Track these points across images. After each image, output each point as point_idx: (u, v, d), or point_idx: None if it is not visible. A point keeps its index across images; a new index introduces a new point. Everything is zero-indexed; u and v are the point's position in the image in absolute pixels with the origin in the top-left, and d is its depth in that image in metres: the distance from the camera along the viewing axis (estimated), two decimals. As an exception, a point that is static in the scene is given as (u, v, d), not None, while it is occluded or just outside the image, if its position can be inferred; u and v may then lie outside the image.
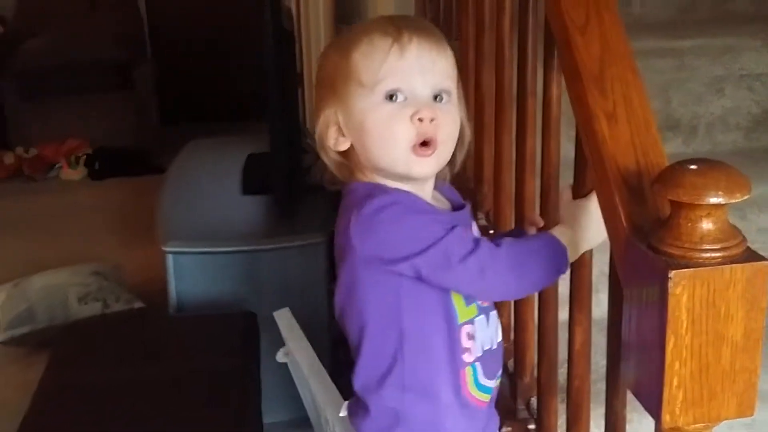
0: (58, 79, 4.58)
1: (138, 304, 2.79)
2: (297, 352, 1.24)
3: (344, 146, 0.97)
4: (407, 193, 0.95)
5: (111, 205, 4.00)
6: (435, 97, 0.95)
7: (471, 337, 0.99)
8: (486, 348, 1.01)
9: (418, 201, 0.95)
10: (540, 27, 1.12)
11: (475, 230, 1.03)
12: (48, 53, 4.61)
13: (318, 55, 2.92)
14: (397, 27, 0.94)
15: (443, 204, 1.03)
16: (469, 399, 1.00)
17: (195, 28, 5.16)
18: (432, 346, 0.97)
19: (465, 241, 0.92)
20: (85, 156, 4.46)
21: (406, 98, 0.93)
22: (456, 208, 1.03)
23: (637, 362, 0.81)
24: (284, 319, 1.32)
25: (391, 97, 0.93)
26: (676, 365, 0.75)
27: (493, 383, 1.03)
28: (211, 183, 2.54)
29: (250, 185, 2.45)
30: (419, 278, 0.92)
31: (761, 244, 1.43)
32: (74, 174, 4.43)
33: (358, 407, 1.02)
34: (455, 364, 0.98)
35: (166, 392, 1.78)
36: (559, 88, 1.09)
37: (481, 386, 1.01)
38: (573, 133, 0.99)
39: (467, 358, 0.99)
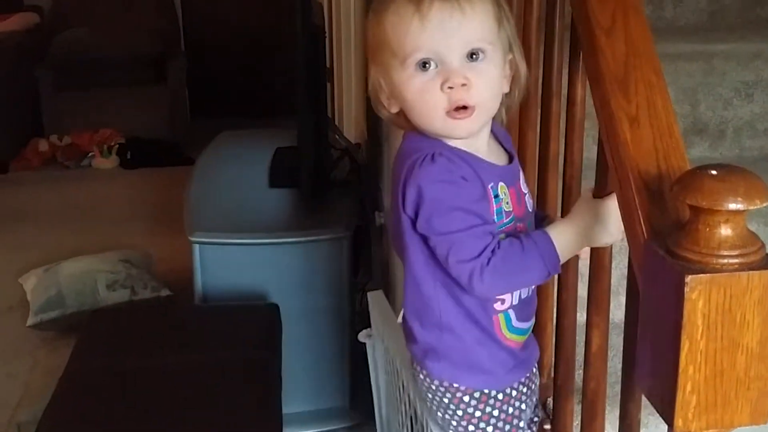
0: (93, 71, 4.65)
1: (165, 293, 2.83)
2: (385, 336, 1.25)
3: (395, 109, 1.01)
4: (453, 156, 0.96)
5: (141, 195, 4.05)
6: (470, 56, 0.95)
7: None
8: (523, 297, 1.04)
9: (459, 181, 0.95)
10: (567, 28, 1.12)
11: (523, 185, 1.06)
12: (84, 45, 4.68)
13: (348, 53, 2.94)
14: None
15: (498, 153, 1.04)
16: (503, 341, 1.04)
17: (227, 24, 5.21)
18: (463, 296, 1.00)
19: (473, 243, 0.94)
20: (117, 145, 4.52)
21: (437, 65, 0.95)
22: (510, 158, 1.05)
23: (652, 365, 0.81)
24: (377, 301, 1.33)
25: (423, 65, 0.95)
26: (690, 370, 0.75)
27: (528, 324, 1.08)
28: (238, 175, 2.57)
29: (277, 178, 2.48)
30: None
31: (785, 251, 1.44)
32: (107, 163, 4.49)
33: (407, 331, 1.08)
34: (487, 312, 1.02)
35: (188, 380, 1.81)
36: (584, 90, 1.09)
37: (515, 329, 1.05)
38: (595, 134, 0.99)
39: (499, 306, 1.03)
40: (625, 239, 0.89)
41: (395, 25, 0.95)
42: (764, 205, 0.75)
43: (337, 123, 3.26)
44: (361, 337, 1.36)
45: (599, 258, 1.08)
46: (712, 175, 0.75)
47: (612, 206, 0.96)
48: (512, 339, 1.05)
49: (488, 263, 0.93)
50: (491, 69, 0.97)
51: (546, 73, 1.21)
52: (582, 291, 1.16)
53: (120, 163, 4.49)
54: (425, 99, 0.95)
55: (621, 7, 0.97)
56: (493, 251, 0.94)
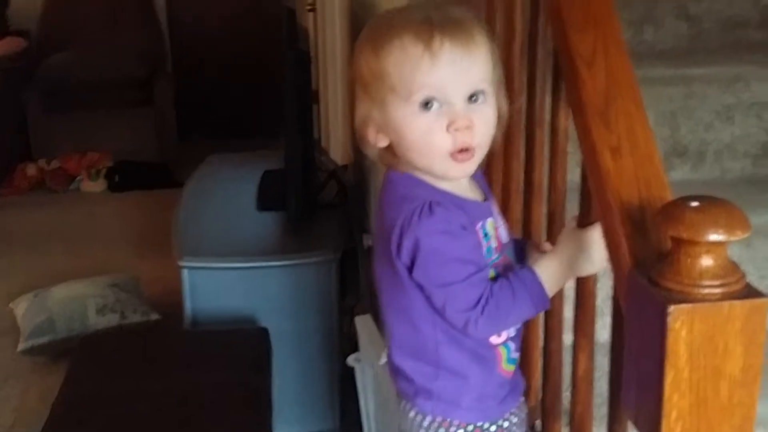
0: (81, 94, 4.65)
1: (154, 317, 2.82)
2: (375, 360, 1.25)
3: (384, 143, 0.99)
4: (446, 203, 0.97)
5: (130, 218, 4.05)
6: (470, 97, 0.95)
7: None
8: (519, 326, 1.06)
9: (456, 230, 0.96)
10: (549, 54, 1.14)
11: (499, 222, 1.06)
12: (71, 68, 4.68)
13: (334, 75, 2.96)
14: (429, 28, 0.92)
15: (475, 192, 1.05)
16: (501, 374, 1.06)
17: (214, 45, 5.22)
18: (465, 338, 1.01)
19: (469, 294, 0.95)
20: (105, 169, 4.51)
21: (441, 105, 0.94)
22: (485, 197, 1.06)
23: (637, 393, 0.82)
24: (365, 326, 1.33)
25: (426, 104, 0.94)
26: (675, 398, 0.76)
27: (519, 354, 1.09)
28: (227, 198, 2.58)
29: (264, 201, 2.48)
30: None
31: (767, 272, 1.46)
32: (95, 186, 4.48)
33: (394, 368, 1.07)
34: (489, 348, 1.03)
35: (179, 405, 1.82)
36: (567, 119, 1.11)
37: (512, 359, 1.07)
38: (581, 160, 1.01)
39: (496, 340, 1.04)
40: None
41: (401, 61, 0.93)
42: (745, 236, 0.76)
43: (323, 145, 3.28)
44: (350, 361, 1.37)
45: (584, 283, 1.09)
46: (693, 206, 0.77)
47: (595, 236, 0.97)
48: (508, 370, 1.07)
49: (483, 312, 0.95)
50: (489, 110, 0.97)
51: (529, 101, 1.23)
52: (567, 312, 1.18)
53: (108, 187, 4.48)
54: (429, 140, 0.95)
55: (601, 39, 0.99)
56: (487, 299, 0.95)
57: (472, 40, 0.94)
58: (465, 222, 0.97)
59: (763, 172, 1.64)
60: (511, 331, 1.05)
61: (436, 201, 0.95)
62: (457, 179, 0.99)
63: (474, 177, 1.05)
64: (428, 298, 0.98)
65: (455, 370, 1.02)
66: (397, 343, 1.04)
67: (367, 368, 1.32)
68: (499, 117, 1.00)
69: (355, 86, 1.00)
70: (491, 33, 1.01)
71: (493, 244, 1.02)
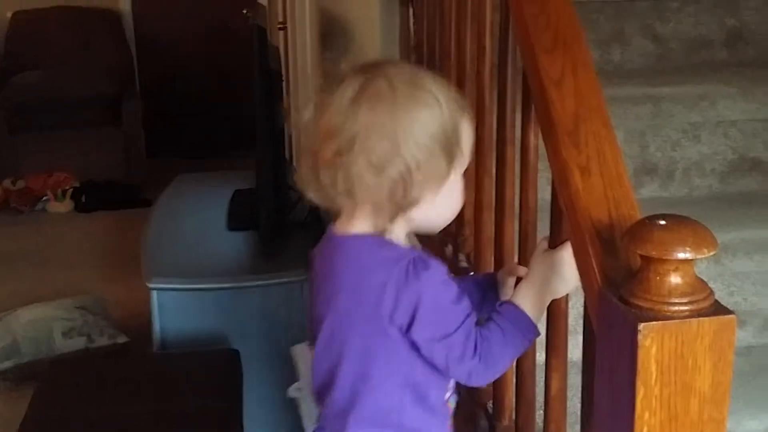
0: (48, 113, 4.61)
1: (122, 339, 2.79)
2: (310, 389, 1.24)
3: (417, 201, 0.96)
4: (428, 256, 0.99)
5: (97, 239, 4.00)
6: None
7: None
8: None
9: (448, 280, 0.98)
10: (519, 73, 1.15)
11: None
12: (38, 87, 4.64)
13: (305, 93, 2.96)
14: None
15: (413, 240, 1.06)
16: (449, 429, 1.07)
17: (183, 65, 5.22)
18: (429, 395, 1.02)
19: (468, 340, 0.96)
20: (72, 189, 4.46)
21: None
22: None
23: (610, 411, 0.83)
24: (301, 355, 1.31)
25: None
26: (646, 415, 0.77)
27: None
28: (196, 218, 2.56)
29: (235, 221, 2.47)
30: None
31: (736, 288, 1.48)
32: (61, 207, 4.43)
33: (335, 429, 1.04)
34: (443, 403, 1.05)
35: (148, 429, 1.79)
36: (537, 138, 1.12)
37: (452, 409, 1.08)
38: (551, 177, 1.02)
39: (447, 395, 1.06)
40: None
41: (468, 132, 0.99)
42: (711, 254, 0.78)
43: (294, 164, 3.27)
44: (291, 392, 1.34)
45: (555, 302, 1.09)
46: (661, 225, 0.78)
47: (566, 256, 0.98)
48: (450, 424, 1.08)
49: (480, 359, 0.96)
50: None
51: (500, 119, 1.24)
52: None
53: (75, 207, 4.43)
54: (460, 201, 1.02)
55: (570, 60, 1.00)
56: (482, 345, 0.96)
57: None
58: (454, 287, 0.99)
59: (730, 190, 1.67)
60: (452, 385, 1.06)
61: (418, 255, 0.96)
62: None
63: None
64: (404, 359, 0.97)
65: (414, 428, 1.02)
66: (360, 416, 1.01)
67: (309, 398, 1.29)
68: None
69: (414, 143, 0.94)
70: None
71: None
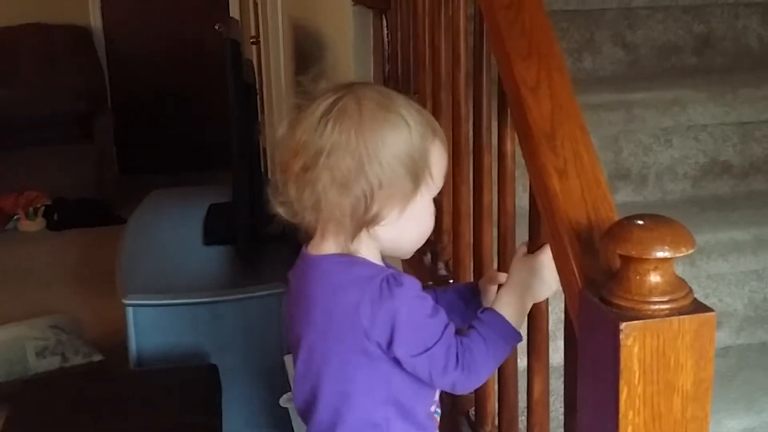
0: (18, 131, 4.56)
1: (97, 357, 2.75)
2: None
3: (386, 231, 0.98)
4: (402, 273, 0.99)
5: (70, 257, 3.96)
6: None
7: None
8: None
9: (422, 295, 0.98)
10: (494, 83, 1.16)
11: None
12: (7, 105, 4.59)
13: (279, 106, 2.97)
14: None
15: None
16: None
17: (155, 80, 5.19)
18: (413, 410, 1.02)
19: (449, 351, 0.96)
20: (43, 207, 4.41)
21: None
22: None
23: (593, 412, 0.83)
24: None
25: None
26: (630, 414, 0.77)
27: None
28: (172, 234, 2.54)
29: (211, 236, 2.46)
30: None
31: (711, 290, 1.50)
32: (32, 225, 4.38)
33: None
34: (430, 416, 1.05)
35: (126, 448, 1.76)
36: (513, 144, 1.13)
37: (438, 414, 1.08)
38: (528, 184, 1.03)
39: (434, 408, 1.05)
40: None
41: (440, 155, 0.99)
42: (690, 252, 0.78)
43: (270, 178, 3.26)
44: (283, 402, 1.34)
45: (536, 306, 1.10)
46: (640, 225, 0.78)
47: (545, 260, 0.99)
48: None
49: (463, 368, 0.96)
50: None
51: (476, 127, 1.25)
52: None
53: (47, 225, 4.39)
54: (431, 224, 1.01)
55: (545, 66, 1.01)
56: (463, 354, 0.97)
57: None
58: (430, 300, 0.99)
59: (702, 194, 1.69)
60: (436, 397, 1.06)
61: (390, 273, 0.96)
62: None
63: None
64: (388, 376, 0.98)
65: None
66: (338, 427, 1.01)
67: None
68: None
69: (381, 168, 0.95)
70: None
71: None
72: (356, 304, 0.94)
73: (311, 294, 0.99)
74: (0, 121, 4.54)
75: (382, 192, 0.94)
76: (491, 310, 1.01)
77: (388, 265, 1.04)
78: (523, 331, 1.12)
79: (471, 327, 1.00)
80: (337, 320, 0.97)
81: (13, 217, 4.41)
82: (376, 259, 1.00)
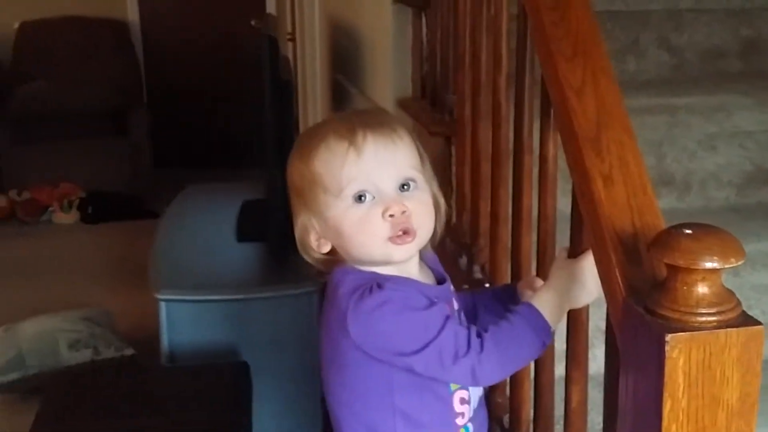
0: (54, 124, 4.61)
1: (129, 351, 2.77)
2: None
3: (326, 248, 1.00)
4: (395, 280, 0.97)
5: (103, 250, 3.99)
6: (402, 187, 0.97)
7: (465, 401, 1.01)
8: (475, 407, 1.03)
9: (409, 292, 0.96)
10: (537, 84, 1.14)
11: (456, 305, 1.05)
12: (44, 98, 4.64)
13: (314, 104, 2.96)
14: (351, 127, 0.96)
15: (428, 276, 1.04)
16: None
17: (190, 75, 5.23)
18: (424, 421, 0.99)
19: (457, 338, 0.94)
20: (78, 200, 4.46)
21: (374, 197, 0.96)
22: (439, 281, 1.04)
23: (634, 424, 0.81)
24: None
25: (359, 198, 0.96)
26: (673, 428, 0.75)
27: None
28: (205, 230, 2.55)
29: (244, 232, 2.45)
30: (411, 372, 0.95)
31: (755, 301, 1.47)
32: (67, 218, 4.43)
33: None
34: (451, 429, 1.01)
35: (156, 443, 1.77)
36: (556, 147, 1.11)
37: None
38: (569, 187, 1.01)
39: (460, 421, 1.02)
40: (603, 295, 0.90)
41: (328, 161, 0.96)
42: (739, 263, 0.76)
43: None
44: None
45: (576, 313, 1.08)
46: (688, 234, 0.76)
47: (587, 265, 0.97)
48: None
49: (481, 352, 0.93)
50: (424, 195, 0.99)
51: (517, 129, 1.23)
52: (559, 345, 1.16)
53: (81, 218, 4.43)
54: (366, 228, 0.96)
55: (590, 68, 1.00)
56: (479, 335, 0.94)
57: (394, 132, 0.97)
58: (423, 296, 0.97)
59: (747, 201, 1.66)
60: (470, 411, 1.03)
61: (379, 282, 0.95)
62: (402, 261, 0.99)
63: (426, 261, 1.05)
64: (390, 385, 0.96)
65: None
66: None
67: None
68: (437, 211, 1.01)
69: (291, 199, 1.02)
70: (413, 131, 1.04)
71: None
72: (345, 313, 0.94)
73: (324, 304, 1.01)
74: (36, 114, 4.59)
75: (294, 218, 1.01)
76: (527, 303, 0.99)
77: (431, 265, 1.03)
78: (561, 339, 1.10)
79: (502, 317, 0.97)
80: (333, 329, 0.97)
81: (48, 209, 4.46)
82: (385, 269, 0.98)
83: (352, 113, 1.07)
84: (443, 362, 0.93)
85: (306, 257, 1.02)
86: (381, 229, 0.95)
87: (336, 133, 0.96)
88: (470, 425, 1.03)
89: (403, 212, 0.95)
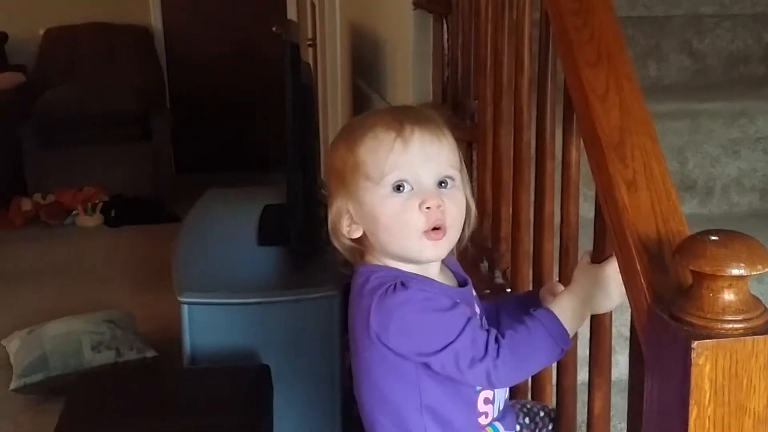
0: (77, 129, 4.66)
1: (151, 354, 2.78)
2: None
3: (357, 234, 1.02)
4: (418, 280, 0.98)
5: (126, 253, 4.02)
6: (440, 184, 0.99)
7: (489, 401, 1.02)
8: (501, 407, 1.04)
9: (432, 293, 0.97)
10: (559, 90, 1.14)
11: (477, 308, 1.05)
12: (67, 103, 4.69)
13: (334, 109, 2.97)
14: (400, 120, 0.98)
15: (449, 278, 1.05)
16: None
17: (213, 80, 5.26)
18: (451, 418, 1.00)
19: (475, 343, 0.95)
20: (101, 203, 4.50)
21: (412, 188, 0.98)
22: (460, 283, 1.06)
23: (659, 431, 0.81)
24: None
25: (398, 188, 0.97)
26: (699, 436, 0.75)
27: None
28: (227, 233, 2.55)
29: (266, 236, 2.46)
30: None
31: (779, 308, 1.45)
32: (90, 221, 4.47)
33: None
34: (475, 428, 1.02)
35: (178, 446, 1.78)
36: (578, 152, 1.11)
37: None
38: (591, 193, 1.01)
39: (483, 420, 1.03)
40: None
41: (374, 148, 0.98)
42: (766, 270, 0.76)
43: (324, 180, 3.27)
44: None
45: (600, 319, 1.08)
46: (714, 240, 0.76)
47: (611, 271, 0.97)
48: None
49: (497, 357, 0.94)
50: (459, 195, 1.01)
51: (539, 134, 1.23)
52: (581, 350, 1.16)
53: (104, 222, 4.47)
54: (403, 219, 0.97)
55: (614, 74, 1.00)
56: (496, 340, 0.95)
57: (439, 130, 1.00)
58: (446, 297, 0.98)
59: (770, 207, 1.65)
60: (495, 411, 1.04)
61: (409, 278, 0.97)
62: (430, 261, 1.01)
63: (447, 264, 1.06)
64: (415, 383, 0.97)
65: None
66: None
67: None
68: (468, 212, 1.03)
69: (328, 183, 1.04)
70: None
71: None
72: (368, 310, 0.96)
73: (351, 300, 1.02)
74: (61, 119, 4.64)
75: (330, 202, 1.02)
76: (546, 308, 0.99)
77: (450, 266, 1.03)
78: (584, 345, 1.10)
79: (521, 322, 0.98)
80: (359, 328, 0.99)
81: (71, 212, 4.51)
82: (408, 267, 1.00)
83: (401, 108, 1.09)
84: (459, 365, 0.95)
85: (335, 242, 1.04)
86: (417, 220, 0.97)
87: (385, 124, 0.99)
88: (498, 424, 1.04)
89: (439, 206, 0.97)
